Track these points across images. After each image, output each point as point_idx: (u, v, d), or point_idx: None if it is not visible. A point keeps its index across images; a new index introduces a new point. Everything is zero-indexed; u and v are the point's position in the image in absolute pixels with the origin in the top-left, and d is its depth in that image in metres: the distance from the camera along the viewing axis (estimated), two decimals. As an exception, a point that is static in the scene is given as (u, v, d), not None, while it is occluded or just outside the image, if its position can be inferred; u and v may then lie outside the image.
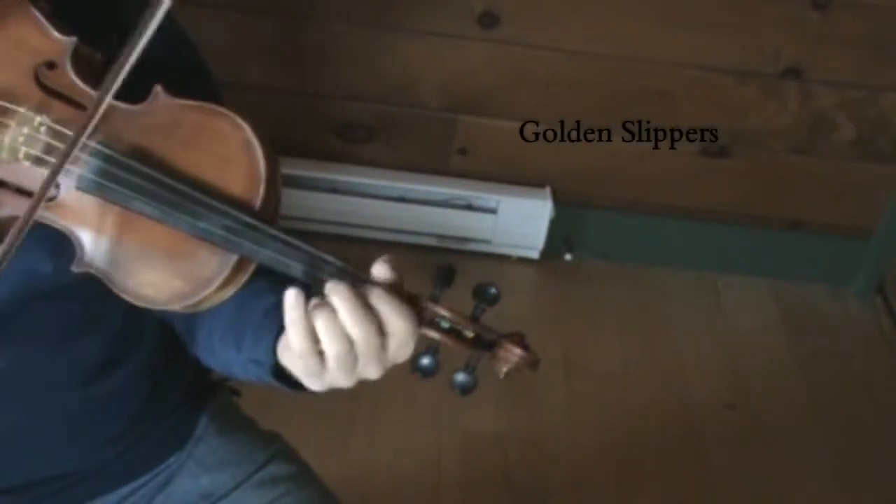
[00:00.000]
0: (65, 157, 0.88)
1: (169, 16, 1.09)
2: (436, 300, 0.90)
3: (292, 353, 0.91)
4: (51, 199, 0.91)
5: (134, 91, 0.91)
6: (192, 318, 1.07)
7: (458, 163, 2.55)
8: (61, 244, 0.92)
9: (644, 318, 2.56)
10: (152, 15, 0.88)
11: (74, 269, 0.91)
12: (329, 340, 0.87)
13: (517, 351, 0.91)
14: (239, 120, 0.90)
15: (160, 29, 0.95)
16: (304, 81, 2.46)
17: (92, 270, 0.91)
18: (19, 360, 1.08)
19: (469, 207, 2.54)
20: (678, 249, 2.68)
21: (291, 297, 0.87)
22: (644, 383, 2.38)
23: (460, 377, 0.91)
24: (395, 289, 0.88)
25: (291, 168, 2.45)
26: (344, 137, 2.52)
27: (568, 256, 2.65)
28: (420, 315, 0.89)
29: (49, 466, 1.17)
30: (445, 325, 0.90)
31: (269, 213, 0.90)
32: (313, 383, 0.92)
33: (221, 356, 1.09)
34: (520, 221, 2.55)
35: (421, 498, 2.07)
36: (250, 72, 2.43)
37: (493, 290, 0.91)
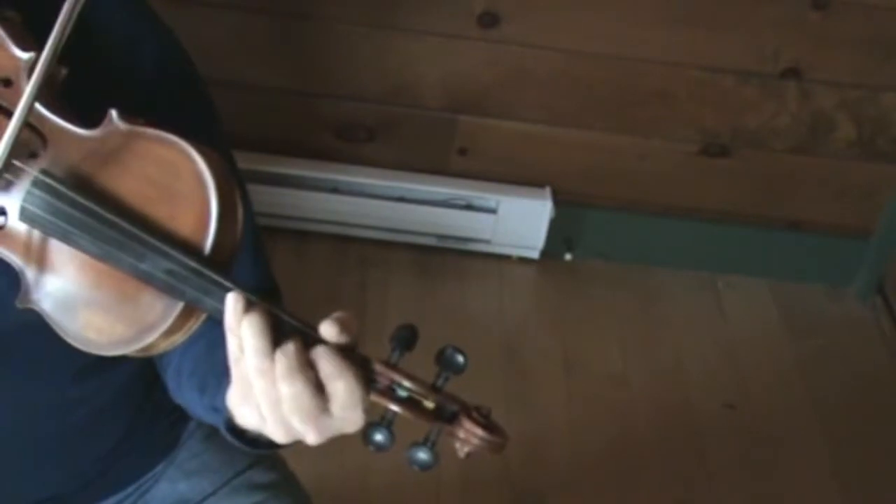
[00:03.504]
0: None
1: (162, 27, 1.00)
2: (392, 365, 0.81)
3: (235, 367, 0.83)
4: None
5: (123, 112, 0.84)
6: (161, 356, 0.97)
7: (458, 163, 2.55)
8: (18, 277, 0.86)
9: (644, 318, 2.56)
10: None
11: (18, 304, 0.84)
12: (259, 390, 0.81)
13: (479, 432, 0.83)
14: (193, 151, 0.80)
15: (149, 42, 0.92)
16: (304, 81, 2.46)
17: (35, 307, 0.84)
18: (1, 386, 1.05)
19: (469, 207, 2.54)
20: (678, 249, 2.67)
21: (231, 299, 0.79)
22: (644, 383, 2.38)
23: (420, 455, 0.81)
24: (342, 349, 0.80)
25: (291, 168, 2.45)
26: (344, 137, 2.51)
27: (568, 256, 2.64)
28: (372, 380, 0.80)
29: (34, 488, 1.15)
30: (403, 393, 0.80)
31: (222, 257, 0.81)
32: (249, 419, 0.85)
33: (187, 396, 1.04)
34: (520, 221, 2.55)
35: (421, 498, 2.07)
36: (250, 72, 2.42)
37: (460, 358, 0.82)
